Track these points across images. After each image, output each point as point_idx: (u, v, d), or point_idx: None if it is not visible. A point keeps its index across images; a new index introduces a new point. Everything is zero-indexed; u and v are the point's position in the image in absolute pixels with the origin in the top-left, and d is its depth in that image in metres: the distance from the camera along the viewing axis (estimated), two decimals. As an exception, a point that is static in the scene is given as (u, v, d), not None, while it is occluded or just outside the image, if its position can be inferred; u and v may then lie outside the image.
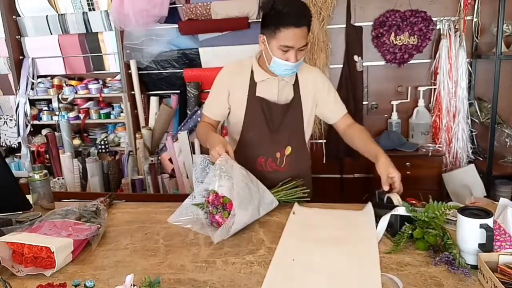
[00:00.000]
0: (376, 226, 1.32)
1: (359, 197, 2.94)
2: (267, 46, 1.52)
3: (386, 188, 1.44)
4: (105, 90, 3.16)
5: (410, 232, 1.24)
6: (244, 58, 1.70)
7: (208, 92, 2.71)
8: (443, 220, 1.24)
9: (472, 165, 2.71)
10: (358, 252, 1.21)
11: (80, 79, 3.26)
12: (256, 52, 1.66)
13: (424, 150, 2.73)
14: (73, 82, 3.21)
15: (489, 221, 1.07)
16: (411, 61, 2.88)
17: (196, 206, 1.47)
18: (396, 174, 1.44)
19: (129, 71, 3.06)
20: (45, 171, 1.67)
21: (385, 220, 1.31)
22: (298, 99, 1.63)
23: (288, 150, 1.67)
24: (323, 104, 1.70)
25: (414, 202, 1.43)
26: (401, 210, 1.29)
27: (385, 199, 1.43)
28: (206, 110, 1.74)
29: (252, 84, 1.61)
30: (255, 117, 1.62)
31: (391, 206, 1.36)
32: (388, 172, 1.44)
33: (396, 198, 1.39)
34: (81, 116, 3.21)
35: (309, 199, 1.59)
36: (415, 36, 2.80)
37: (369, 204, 1.47)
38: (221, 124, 1.90)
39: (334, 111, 1.72)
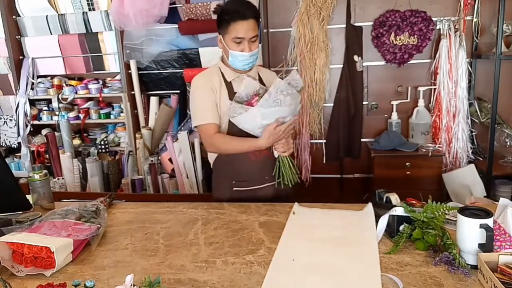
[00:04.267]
0: (376, 226, 1.32)
1: (359, 197, 2.94)
2: (223, 43, 1.72)
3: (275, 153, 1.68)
4: (105, 90, 3.16)
5: (409, 232, 1.24)
6: (209, 66, 1.90)
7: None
8: (442, 221, 1.25)
9: (472, 165, 2.71)
10: (358, 252, 1.21)
11: (80, 79, 3.26)
12: (219, 56, 1.83)
13: (424, 150, 2.73)
14: (73, 82, 3.21)
15: (489, 221, 1.07)
16: (411, 61, 2.88)
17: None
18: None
19: (129, 71, 3.06)
20: (45, 171, 1.68)
21: (384, 220, 1.31)
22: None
23: None
24: None
25: (414, 202, 1.43)
26: (399, 210, 1.29)
27: (384, 198, 1.43)
28: (203, 118, 1.74)
29: (228, 84, 1.76)
30: None
31: (390, 206, 1.36)
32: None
33: (394, 198, 1.40)
34: (81, 116, 3.21)
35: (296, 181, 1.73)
36: (415, 36, 2.80)
37: (370, 204, 1.47)
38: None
39: None
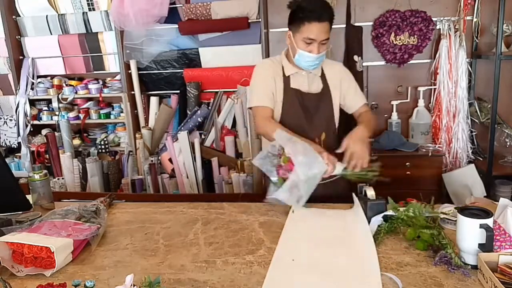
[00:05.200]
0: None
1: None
2: (292, 40, 1.67)
3: (344, 164, 1.55)
4: (105, 90, 3.16)
5: (386, 228, 1.30)
6: (275, 56, 1.85)
7: (208, 92, 2.73)
8: (424, 219, 1.28)
9: (472, 165, 2.71)
10: (358, 252, 1.21)
11: (80, 79, 3.26)
12: (284, 49, 1.80)
13: (424, 150, 2.73)
14: (73, 82, 3.21)
15: (489, 221, 1.07)
16: (411, 61, 2.88)
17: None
18: (355, 149, 1.53)
19: (129, 71, 3.06)
20: (45, 171, 1.68)
21: (376, 220, 1.34)
22: (327, 88, 1.77)
23: (323, 136, 1.71)
24: (345, 94, 1.81)
25: (413, 202, 1.43)
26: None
27: (363, 192, 1.48)
28: (259, 101, 1.73)
29: (286, 78, 1.75)
30: (292, 106, 1.73)
31: (366, 199, 1.44)
32: (347, 144, 1.55)
33: (370, 193, 1.45)
34: (81, 116, 3.21)
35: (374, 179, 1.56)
36: (415, 36, 2.80)
37: (355, 198, 1.51)
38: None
39: (354, 101, 1.82)
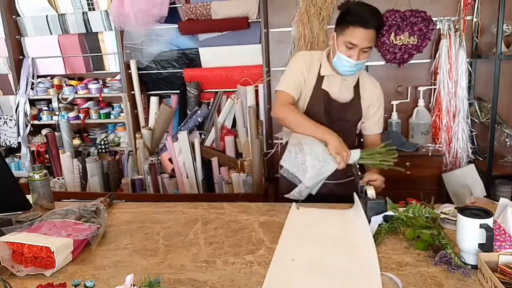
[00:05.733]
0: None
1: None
2: (335, 42, 1.65)
3: (358, 150, 1.60)
4: (105, 90, 3.16)
5: (386, 228, 1.31)
6: (316, 51, 1.86)
7: (208, 92, 2.72)
8: (424, 219, 1.28)
9: (472, 165, 2.71)
10: (358, 252, 1.21)
11: (80, 79, 3.26)
12: (327, 49, 1.77)
13: (424, 150, 2.73)
14: (73, 82, 3.21)
15: (489, 221, 1.07)
16: (411, 61, 2.87)
17: None
18: (376, 178, 1.62)
19: (129, 71, 3.06)
20: (45, 171, 1.68)
21: (376, 219, 1.34)
22: (357, 100, 1.76)
23: None
24: (368, 117, 1.81)
25: (413, 202, 1.43)
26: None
27: (363, 191, 1.48)
28: (286, 87, 1.72)
29: (319, 77, 1.73)
30: (317, 107, 1.72)
31: (366, 198, 1.44)
32: (370, 177, 1.62)
33: (370, 192, 1.45)
34: (81, 116, 3.21)
35: (391, 165, 1.61)
36: (415, 36, 2.80)
37: (356, 198, 1.51)
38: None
39: (372, 127, 1.84)
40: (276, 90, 1.78)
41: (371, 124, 1.81)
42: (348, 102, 1.74)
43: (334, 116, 1.73)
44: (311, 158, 1.53)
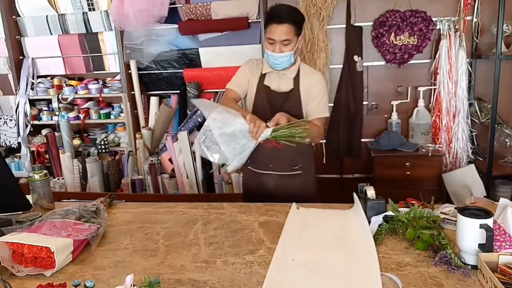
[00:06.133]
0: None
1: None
2: (265, 41, 1.83)
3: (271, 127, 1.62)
4: (105, 90, 3.16)
5: (386, 229, 1.32)
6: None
7: (208, 92, 2.72)
8: (424, 221, 1.28)
9: (472, 165, 2.71)
10: (358, 252, 1.21)
11: (80, 79, 3.26)
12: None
13: (424, 150, 2.73)
14: (73, 82, 3.21)
15: (489, 221, 1.07)
16: (411, 61, 2.87)
17: None
18: (277, 118, 1.65)
19: (129, 71, 3.06)
20: (45, 171, 1.67)
21: (377, 219, 1.34)
22: (297, 90, 1.87)
23: None
24: (308, 101, 1.88)
25: (413, 202, 1.43)
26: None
27: (363, 191, 1.48)
28: (231, 85, 1.95)
29: (262, 75, 1.91)
30: (261, 101, 1.89)
31: (366, 198, 1.44)
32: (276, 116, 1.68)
33: (370, 192, 1.45)
34: (81, 116, 3.21)
35: (307, 140, 1.64)
36: (415, 36, 2.80)
37: (356, 198, 1.51)
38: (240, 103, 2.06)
39: (312, 111, 1.88)
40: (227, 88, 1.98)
41: (311, 108, 1.87)
42: (288, 91, 1.86)
43: (277, 105, 1.84)
44: (223, 127, 1.58)
